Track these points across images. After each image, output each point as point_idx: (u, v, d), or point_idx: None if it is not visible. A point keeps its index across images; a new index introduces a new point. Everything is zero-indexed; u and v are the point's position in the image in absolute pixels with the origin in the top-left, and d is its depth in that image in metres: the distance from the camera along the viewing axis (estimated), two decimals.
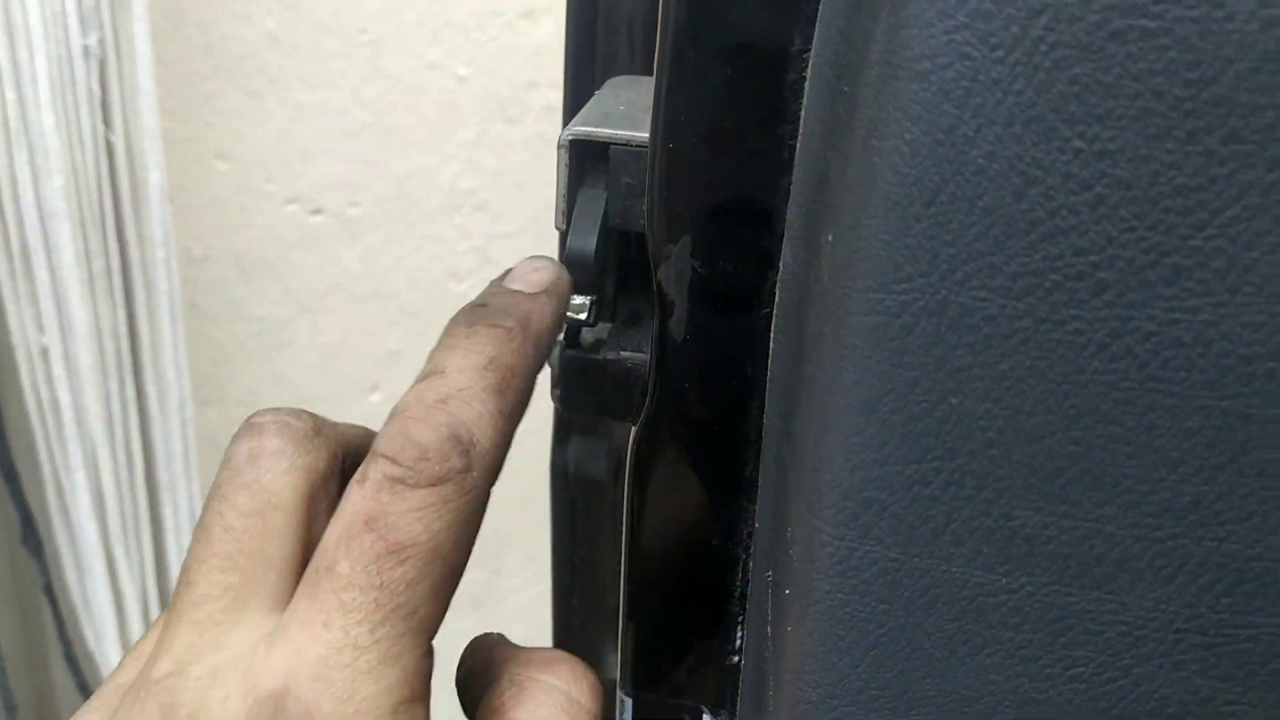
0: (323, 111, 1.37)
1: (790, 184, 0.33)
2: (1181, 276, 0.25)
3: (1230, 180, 0.24)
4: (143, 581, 1.29)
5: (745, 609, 0.41)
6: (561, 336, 0.42)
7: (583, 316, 0.42)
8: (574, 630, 0.68)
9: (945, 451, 0.28)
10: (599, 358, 0.42)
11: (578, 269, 0.41)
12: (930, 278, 0.26)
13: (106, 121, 1.07)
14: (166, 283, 1.19)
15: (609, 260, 0.42)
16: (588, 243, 0.40)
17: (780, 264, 0.33)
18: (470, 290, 1.64)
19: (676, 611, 0.41)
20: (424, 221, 1.53)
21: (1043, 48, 0.24)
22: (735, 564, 0.40)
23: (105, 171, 1.09)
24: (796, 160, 0.32)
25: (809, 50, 0.31)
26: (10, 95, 0.99)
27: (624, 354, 0.42)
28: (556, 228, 0.41)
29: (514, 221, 1.64)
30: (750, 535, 0.39)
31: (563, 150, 0.40)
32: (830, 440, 0.30)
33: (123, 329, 1.16)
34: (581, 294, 0.41)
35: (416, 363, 1.35)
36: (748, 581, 0.40)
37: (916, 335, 0.27)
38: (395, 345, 1.59)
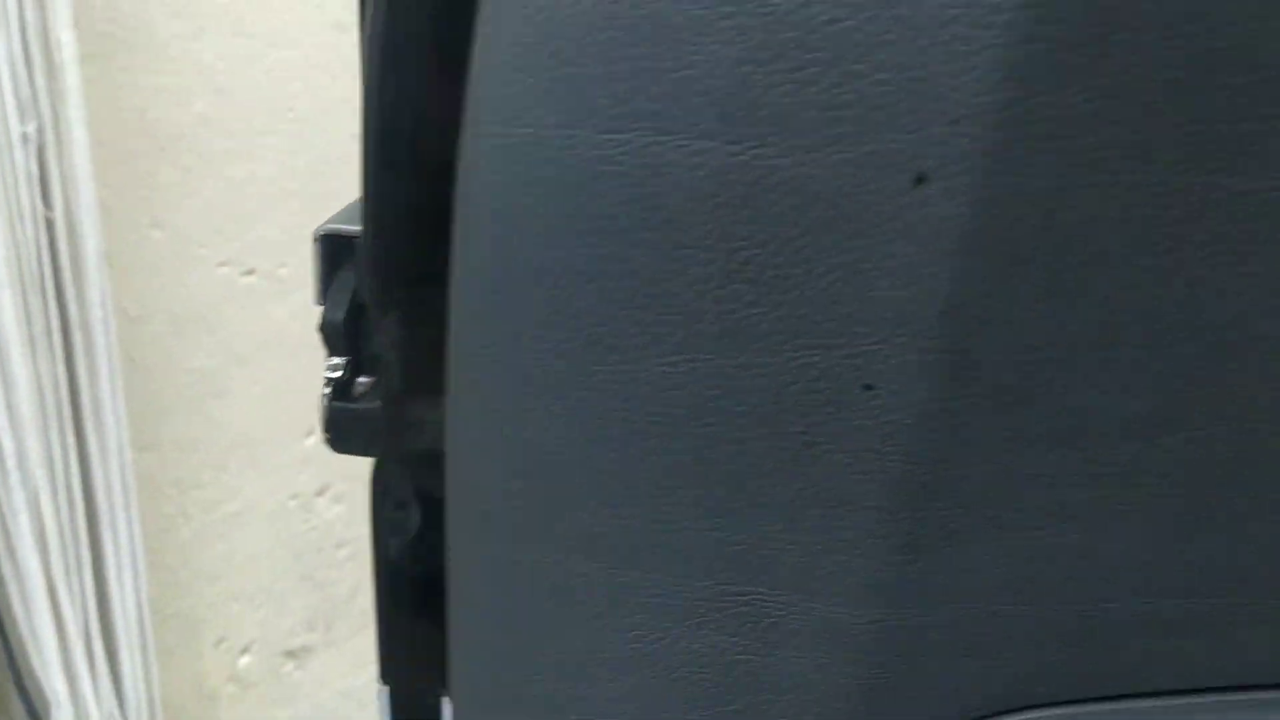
0: (251, 182, 1.46)
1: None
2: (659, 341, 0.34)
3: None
4: (85, 613, 1.36)
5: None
6: (327, 391, 0.51)
7: (340, 374, 0.51)
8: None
9: (523, 469, 0.37)
10: (358, 407, 0.51)
11: (332, 336, 0.50)
12: (500, 347, 0.36)
13: (45, 199, 1.17)
14: (104, 339, 1.28)
15: (361, 328, 0.51)
16: (338, 315, 0.50)
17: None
18: None
19: (408, 615, 0.50)
20: None
21: None
22: (438, 575, 0.49)
23: (45, 242, 1.18)
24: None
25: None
26: None
27: (369, 405, 0.51)
28: (316, 304, 0.50)
29: None
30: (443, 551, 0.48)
31: (316, 242, 0.49)
32: (456, 468, 0.39)
33: (63, 381, 1.25)
34: (337, 355, 0.50)
35: None
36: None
37: (493, 389, 0.36)
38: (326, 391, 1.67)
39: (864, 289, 0.33)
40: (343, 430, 0.51)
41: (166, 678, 1.59)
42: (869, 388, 0.34)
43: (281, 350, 1.60)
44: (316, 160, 1.53)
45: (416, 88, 0.42)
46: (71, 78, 1.18)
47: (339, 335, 0.50)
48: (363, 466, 1.79)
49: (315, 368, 1.75)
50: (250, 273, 1.52)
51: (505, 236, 0.36)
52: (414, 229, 0.44)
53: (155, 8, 1.32)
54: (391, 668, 0.51)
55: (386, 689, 0.52)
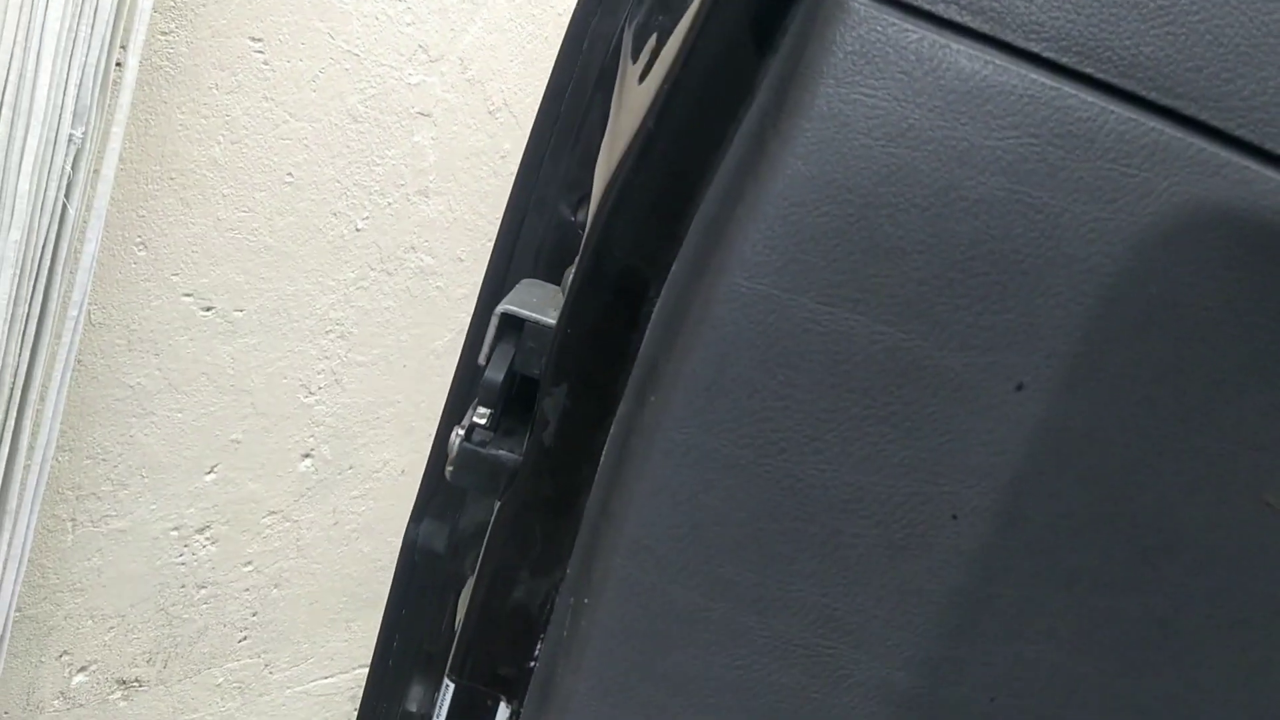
0: (237, 229, 1.53)
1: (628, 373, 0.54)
2: None
3: None
4: None
5: (546, 630, 0.59)
6: (462, 432, 0.61)
7: (483, 422, 0.61)
8: (388, 667, 0.83)
9: (688, 521, 0.48)
10: (485, 451, 0.61)
11: (488, 391, 0.60)
12: (693, 432, 0.47)
13: (68, 196, 1.21)
14: (71, 338, 1.30)
15: (505, 391, 0.62)
16: (498, 376, 0.60)
17: (619, 410, 0.54)
18: (318, 403, 1.78)
19: (499, 626, 0.59)
20: (294, 337, 1.68)
21: None
22: (548, 596, 0.59)
23: (53, 236, 1.22)
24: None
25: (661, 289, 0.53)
26: None
27: (499, 452, 0.62)
28: (479, 363, 0.61)
29: (369, 354, 1.80)
30: (562, 576, 0.58)
31: (497, 317, 0.60)
32: (629, 515, 0.50)
33: (22, 369, 1.26)
34: (486, 407, 0.61)
35: (255, 454, 1.61)
36: (552, 610, 0.59)
37: (680, 460, 0.48)
38: (239, 435, 1.70)
39: (959, 453, 0.47)
40: (470, 469, 0.61)
41: (2, 680, 1.53)
42: (954, 518, 0.48)
43: (213, 387, 1.63)
44: (297, 224, 1.61)
45: (636, 230, 0.55)
46: (124, 98, 1.24)
47: (494, 392, 0.60)
48: (245, 513, 1.86)
49: (234, 410, 1.83)
50: (209, 308, 1.56)
51: (718, 358, 0.48)
52: (600, 327, 0.56)
53: (206, 57, 1.40)
54: (468, 667, 0.59)
55: (452, 685, 0.61)
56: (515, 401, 0.63)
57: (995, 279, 0.46)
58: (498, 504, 0.60)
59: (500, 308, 0.61)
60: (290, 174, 1.56)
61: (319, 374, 1.75)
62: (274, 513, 1.81)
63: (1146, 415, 0.48)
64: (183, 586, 1.76)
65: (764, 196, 0.48)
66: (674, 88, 0.55)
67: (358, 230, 1.69)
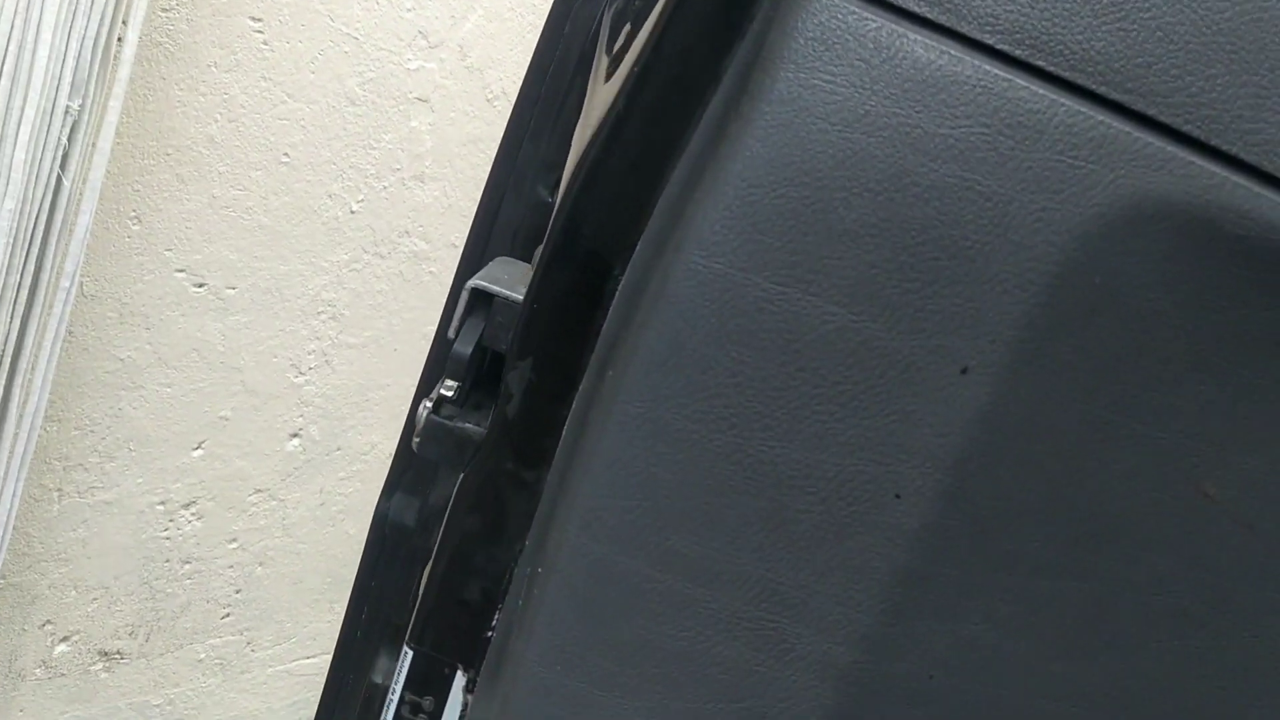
0: (232, 206, 1.54)
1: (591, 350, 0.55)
2: None
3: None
4: None
5: (504, 600, 0.61)
6: (430, 404, 0.63)
7: (451, 395, 0.62)
8: (355, 639, 0.85)
9: (638, 493, 0.50)
10: (454, 424, 0.62)
11: (456, 364, 0.62)
12: (643, 404, 0.49)
13: (63, 167, 1.22)
14: (61, 309, 1.31)
15: (473, 365, 0.63)
16: (467, 349, 0.61)
17: (581, 380, 0.55)
18: (307, 384, 1.79)
19: (458, 595, 0.60)
20: (286, 317, 1.69)
21: None
22: (505, 568, 0.60)
23: (47, 207, 1.23)
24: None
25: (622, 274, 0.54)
26: None
27: (465, 425, 0.63)
28: (448, 336, 0.62)
29: (360, 336, 1.82)
30: (521, 550, 0.59)
31: (467, 291, 0.61)
32: (584, 487, 0.51)
33: (12, 338, 1.27)
34: (454, 381, 0.62)
35: (243, 432, 1.62)
36: (510, 581, 0.60)
37: (629, 431, 0.49)
38: (227, 413, 1.71)
39: (904, 434, 0.49)
40: (436, 440, 0.62)
41: None
42: (898, 497, 0.49)
43: (202, 363, 1.64)
44: (292, 204, 1.62)
45: (603, 209, 0.56)
46: (123, 72, 1.25)
47: (463, 364, 0.62)
48: (232, 490, 1.87)
49: (223, 387, 1.84)
50: (201, 285, 1.58)
51: (674, 334, 0.49)
52: (565, 303, 0.57)
53: (206, 34, 1.41)
54: (427, 635, 0.61)
55: (411, 652, 0.62)
56: (483, 376, 0.64)
57: (944, 264, 0.48)
58: (460, 475, 0.61)
59: (471, 283, 0.62)
60: (286, 154, 1.57)
61: (309, 354, 1.77)
62: (260, 491, 1.83)
63: (1088, 402, 0.49)
64: (167, 561, 1.77)
65: (723, 177, 0.49)
66: (644, 70, 0.56)
67: (352, 213, 1.70)
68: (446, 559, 0.60)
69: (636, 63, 0.56)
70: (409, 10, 1.61)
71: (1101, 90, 0.47)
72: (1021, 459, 0.49)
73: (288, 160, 1.57)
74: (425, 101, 1.71)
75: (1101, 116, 0.47)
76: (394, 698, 0.65)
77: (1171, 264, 0.48)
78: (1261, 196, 0.47)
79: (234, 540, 1.84)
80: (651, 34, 0.56)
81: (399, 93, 1.67)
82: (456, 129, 1.76)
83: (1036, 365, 0.48)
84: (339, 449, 1.90)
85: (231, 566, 1.87)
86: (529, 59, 1.80)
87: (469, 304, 0.61)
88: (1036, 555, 0.50)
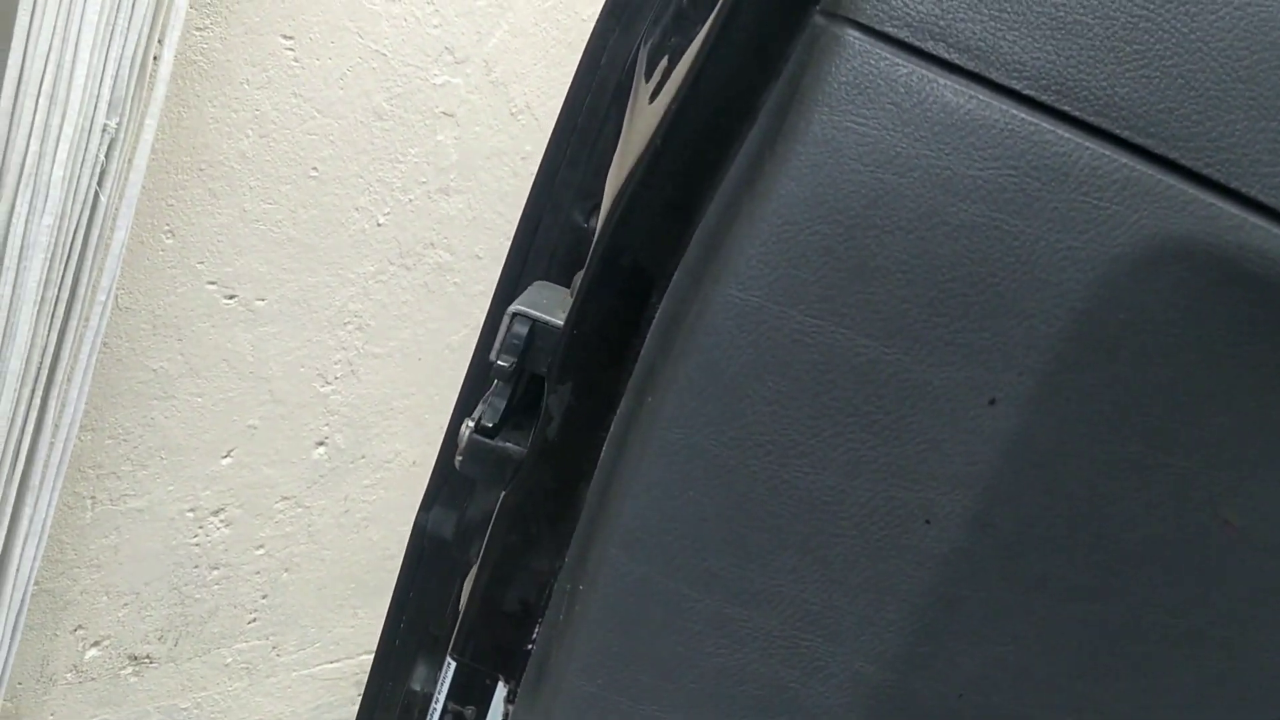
0: (262, 220, 1.57)
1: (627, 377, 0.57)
2: None
3: None
4: None
5: (544, 614, 0.63)
6: (472, 424, 0.65)
7: (492, 415, 0.64)
8: (394, 647, 0.87)
9: (678, 517, 0.52)
10: (492, 443, 0.65)
11: (497, 387, 0.64)
12: (686, 431, 0.51)
13: (100, 183, 1.25)
14: (99, 321, 1.34)
15: (514, 387, 0.66)
16: (508, 372, 0.64)
17: (619, 409, 0.58)
18: (333, 393, 1.82)
19: (500, 609, 0.63)
20: (313, 327, 1.72)
21: None
22: (546, 583, 0.62)
23: (85, 222, 1.26)
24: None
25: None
26: (34, 148, 1.17)
27: (506, 445, 0.65)
28: (490, 360, 0.64)
29: (385, 346, 1.85)
30: (560, 564, 0.61)
31: (508, 316, 0.64)
32: (625, 508, 0.53)
33: (50, 349, 1.30)
34: (496, 401, 0.64)
35: (271, 440, 1.65)
36: (550, 596, 0.63)
37: (674, 457, 0.51)
38: (256, 421, 1.74)
39: (934, 462, 0.51)
40: (478, 459, 0.64)
41: (18, 651, 1.58)
42: (928, 523, 0.51)
43: (233, 373, 1.67)
44: (320, 218, 1.65)
45: (642, 239, 0.58)
46: (159, 90, 1.29)
47: (503, 388, 0.64)
48: (259, 498, 1.90)
49: (252, 396, 1.87)
50: (232, 296, 1.61)
51: (712, 363, 0.52)
52: (605, 330, 0.59)
53: (239, 53, 1.44)
54: (469, 647, 0.63)
55: (453, 663, 0.64)
56: (523, 397, 0.66)
57: (972, 299, 0.50)
58: (502, 493, 0.63)
59: (512, 307, 0.64)
60: (315, 169, 1.60)
61: (336, 364, 1.79)
62: (287, 498, 1.86)
63: (1112, 433, 0.51)
64: (196, 567, 1.81)
65: (760, 214, 0.51)
66: (682, 107, 0.58)
67: (379, 225, 1.73)
68: (489, 574, 0.62)
69: (674, 100, 0.58)
70: (435, 27, 1.64)
71: (1125, 134, 0.49)
72: (1047, 487, 0.51)
73: (316, 174, 1.60)
74: (451, 116, 1.74)
75: (1125, 160, 0.49)
76: (437, 707, 0.67)
77: (1193, 301, 0.50)
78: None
79: (261, 547, 1.87)
80: (689, 72, 0.58)
81: (425, 107, 1.70)
82: (481, 143, 1.79)
83: (1062, 397, 0.50)
84: (363, 457, 1.93)
85: (258, 572, 1.90)
86: (553, 73, 1.82)
87: (510, 328, 0.64)
88: (1062, 579, 0.52)
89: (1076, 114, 0.49)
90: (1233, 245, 0.49)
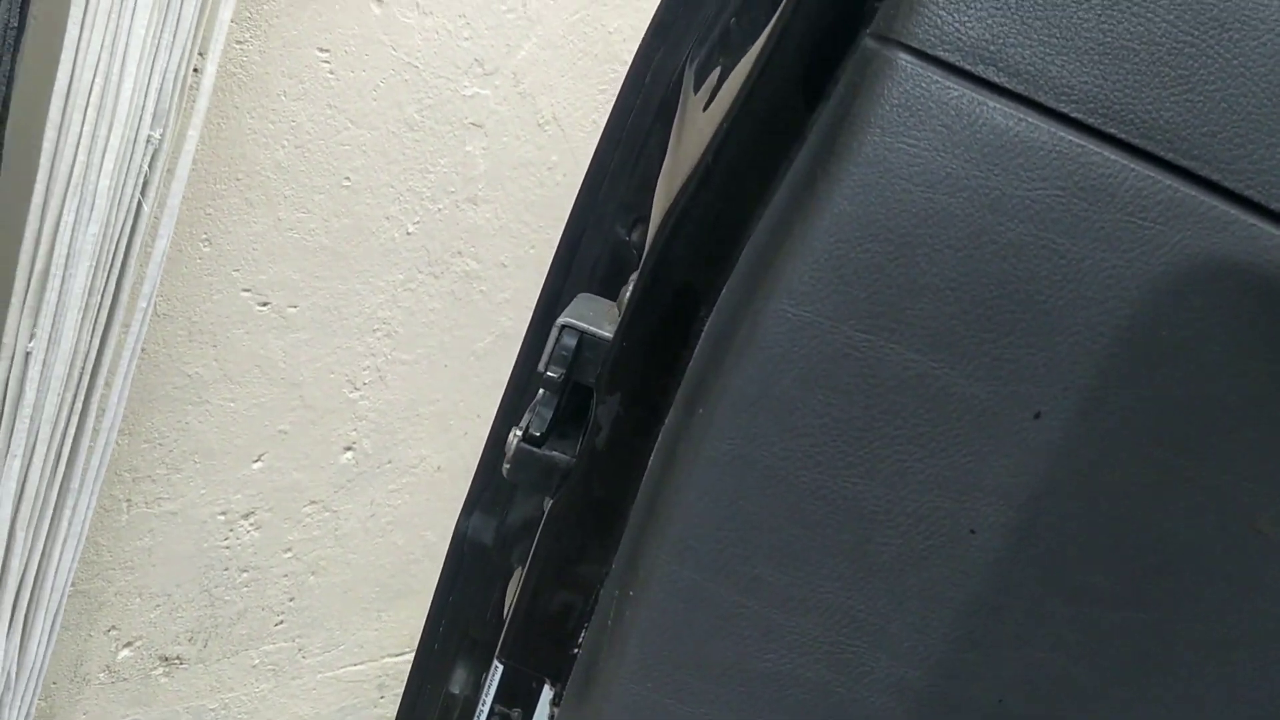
0: (296, 228, 1.59)
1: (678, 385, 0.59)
2: None
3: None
4: (23, 574, 1.39)
5: (590, 619, 0.64)
6: (520, 432, 0.66)
7: (540, 424, 0.66)
8: (433, 650, 0.88)
9: (729, 525, 0.53)
10: (540, 451, 0.66)
11: (546, 396, 0.65)
12: (739, 444, 0.52)
13: (143, 193, 1.27)
14: (139, 327, 1.36)
15: (561, 396, 0.67)
16: (556, 382, 0.65)
17: (667, 420, 0.59)
18: (362, 399, 1.84)
19: (547, 614, 0.64)
20: (343, 334, 1.74)
21: None
22: (592, 588, 0.64)
23: (128, 231, 1.28)
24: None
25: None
26: (82, 159, 1.19)
27: (553, 453, 0.66)
28: (539, 370, 0.66)
29: (413, 353, 1.86)
30: (607, 571, 0.63)
31: (557, 328, 0.65)
32: (675, 516, 0.55)
33: (92, 353, 1.32)
34: (544, 410, 0.66)
35: (301, 445, 1.67)
36: (596, 602, 0.64)
37: (726, 467, 0.53)
38: (286, 426, 1.76)
39: (980, 474, 0.52)
40: (525, 467, 0.66)
41: (54, 651, 1.60)
42: (973, 532, 0.52)
43: (265, 379, 1.69)
44: (352, 226, 1.67)
45: (692, 253, 0.60)
46: (202, 102, 1.31)
47: (551, 398, 0.65)
48: (288, 501, 1.92)
49: (283, 402, 1.89)
50: (266, 304, 1.63)
51: (763, 376, 0.53)
52: (654, 342, 0.61)
53: (277, 65, 1.46)
54: (516, 651, 0.64)
55: (501, 666, 0.66)
56: (568, 407, 0.68)
57: (1019, 316, 0.51)
58: (549, 501, 0.64)
59: (561, 320, 0.65)
60: (348, 178, 1.62)
61: (364, 370, 1.81)
62: (315, 502, 1.87)
63: (1153, 446, 0.52)
64: (226, 569, 1.83)
65: (811, 232, 0.53)
66: (732, 126, 0.59)
67: (408, 234, 1.75)
68: (535, 579, 0.64)
69: (725, 118, 0.60)
70: (466, 39, 1.66)
71: (1170, 157, 0.50)
72: (1089, 498, 0.52)
73: (349, 184, 1.62)
74: (480, 126, 1.75)
75: (1169, 181, 0.50)
76: (484, 709, 0.68)
77: (1233, 319, 0.51)
78: None
79: (289, 550, 1.89)
80: (740, 91, 0.59)
81: (455, 118, 1.72)
82: (509, 153, 1.81)
83: (1105, 411, 0.51)
84: (389, 462, 1.95)
85: (286, 575, 1.92)
86: (580, 85, 1.84)
87: (559, 339, 0.65)
88: (1102, 587, 0.53)
89: (1123, 136, 0.50)
90: (1273, 264, 0.50)
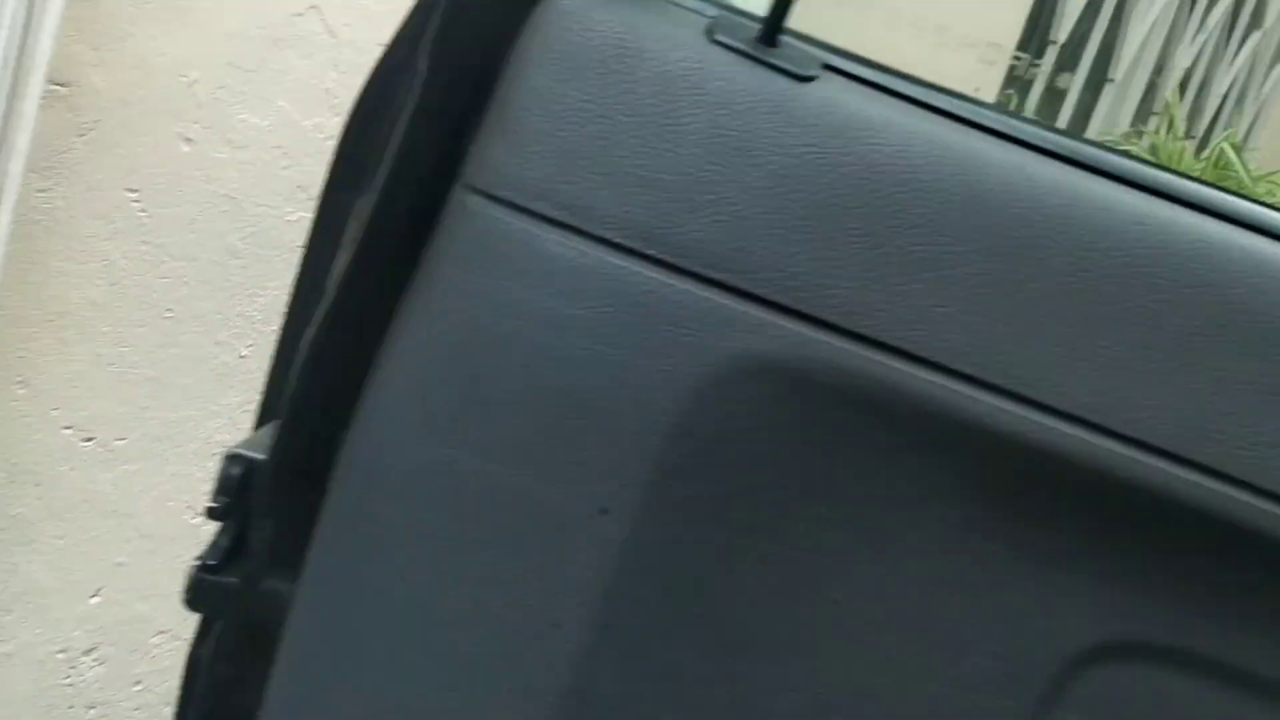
0: (117, 363, 1.61)
1: None
2: None
3: None
4: None
5: None
6: (197, 563, 0.69)
7: (210, 554, 0.68)
8: None
9: (330, 642, 0.56)
10: (216, 579, 0.68)
11: (221, 523, 0.68)
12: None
13: None
14: None
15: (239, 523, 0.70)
16: (220, 509, 0.68)
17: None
18: (205, 525, 1.83)
19: None
20: (178, 461, 1.75)
21: None
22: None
23: None
24: None
25: None
26: None
27: (230, 579, 0.68)
28: (210, 501, 0.69)
29: None
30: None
31: (225, 459, 0.68)
32: (296, 647, 0.57)
33: None
34: (224, 536, 0.68)
35: (141, 576, 1.67)
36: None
37: (312, 597, 0.56)
38: (124, 558, 1.75)
39: (558, 569, 0.56)
40: (201, 595, 0.68)
41: None
42: (557, 626, 0.56)
43: (94, 513, 1.68)
44: (179, 355, 1.69)
45: (327, 382, 0.64)
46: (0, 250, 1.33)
47: (223, 521, 0.68)
48: (134, 634, 1.88)
49: (118, 534, 1.86)
50: (90, 439, 1.63)
51: (359, 498, 0.57)
52: (299, 467, 0.64)
53: (83, 208, 1.49)
54: None
55: None
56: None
57: (582, 423, 0.56)
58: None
59: (230, 449, 0.69)
60: (170, 310, 1.64)
61: (205, 496, 1.81)
62: (163, 632, 1.85)
63: (718, 530, 0.57)
64: (71, 707, 1.78)
65: (400, 355, 0.57)
66: (356, 263, 0.64)
67: (241, 357, 1.77)
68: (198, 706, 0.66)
69: (351, 261, 0.64)
70: (285, 168, 1.71)
71: (703, 271, 0.56)
72: (664, 585, 0.56)
73: (171, 314, 1.65)
74: None
75: (705, 293, 0.56)
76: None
77: (773, 410, 0.56)
78: (841, 349, 0.56)
79: (138, 683, 1.86)
80: (361, 236, 0.64)
81: (281, 242, 1.76)
82: None
83: (666, 503, 0.56)
84: None
85: (138, 709, 1.88)
86: None
87: (224, 469, 0.68)
88: (690, 667, 0.57)
89: (662, 256, 0.56)
90: (800, 359, 0.56)
